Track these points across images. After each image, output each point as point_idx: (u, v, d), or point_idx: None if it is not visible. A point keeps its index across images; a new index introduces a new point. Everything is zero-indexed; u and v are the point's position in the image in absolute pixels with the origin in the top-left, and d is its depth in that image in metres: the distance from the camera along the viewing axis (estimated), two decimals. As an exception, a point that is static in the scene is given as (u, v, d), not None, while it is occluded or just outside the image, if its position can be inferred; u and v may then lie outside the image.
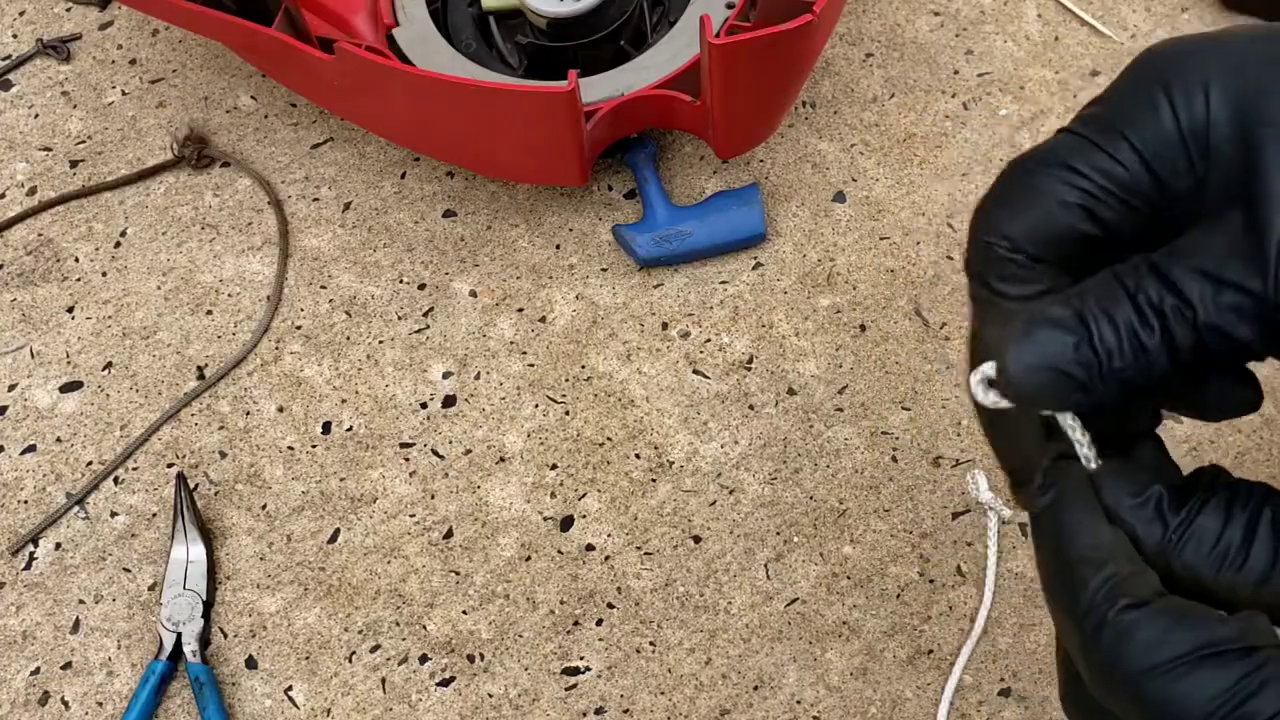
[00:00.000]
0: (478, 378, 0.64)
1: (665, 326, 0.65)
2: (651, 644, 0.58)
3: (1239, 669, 0.26)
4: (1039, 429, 0.30)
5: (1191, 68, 0.28)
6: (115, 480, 0.63)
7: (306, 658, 0.58)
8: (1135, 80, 0.29)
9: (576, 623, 0.58)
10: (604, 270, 0.66)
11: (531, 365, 0.64)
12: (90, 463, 0.63)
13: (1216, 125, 0.27)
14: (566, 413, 0.63)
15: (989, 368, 0.28)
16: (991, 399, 0.29)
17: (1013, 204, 0.29)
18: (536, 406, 0.63)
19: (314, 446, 0.63)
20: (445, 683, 0.57)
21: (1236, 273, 0.26)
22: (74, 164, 0.72)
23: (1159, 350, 0.26)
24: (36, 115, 0.73)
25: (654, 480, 0.61)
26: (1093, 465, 0.29)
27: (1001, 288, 0.29)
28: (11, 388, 0.65)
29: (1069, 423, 0.29)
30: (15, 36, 0.76)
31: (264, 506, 0.61)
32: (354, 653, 0.58)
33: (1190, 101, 0.28)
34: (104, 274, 0.68)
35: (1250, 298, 0.26)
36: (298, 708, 0.57)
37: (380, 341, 0.65)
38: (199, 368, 0.65)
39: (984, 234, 0.29)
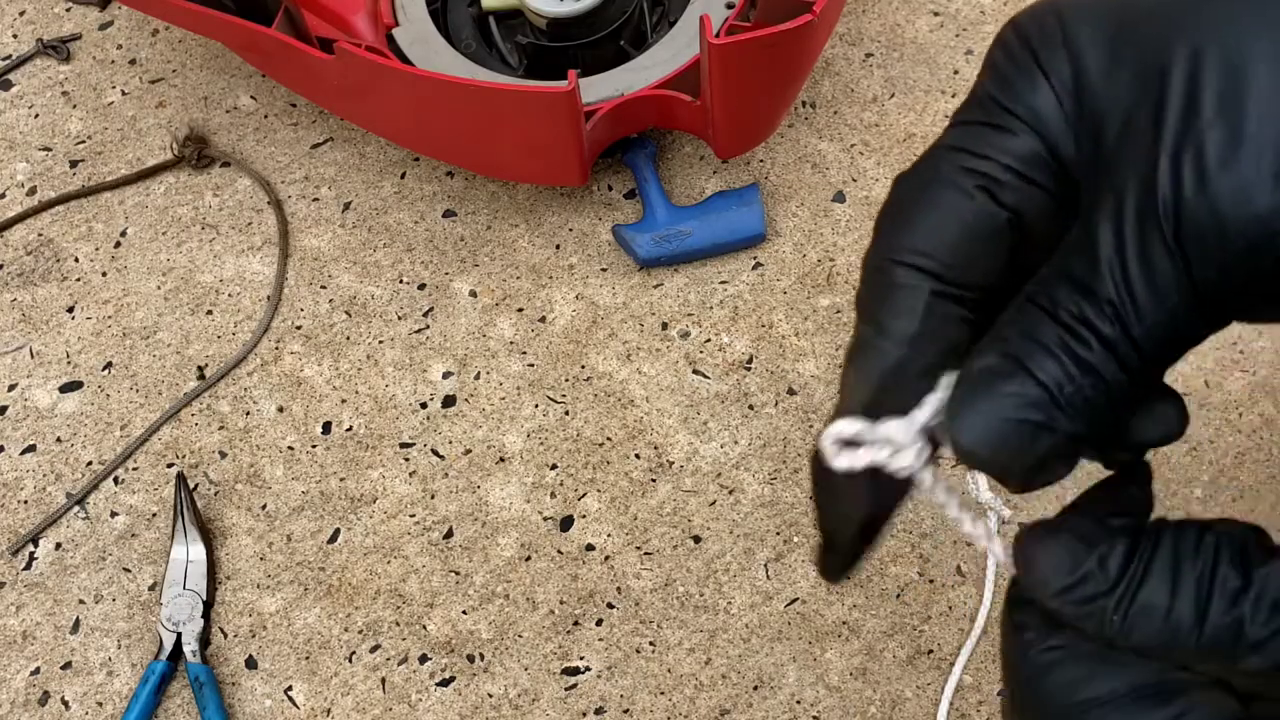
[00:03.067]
0: (478, 378, 0.64)
1: (665, 326, 0.65)
2: (651, 644, 0.58)
3: (1159, 715, 0.25)
4: (866, 496, 0.28)
5: (1055, 29, 0.26)
6: (115, 480, 0.63)
7: (306, 658, 0.58)
8: (1005, 51, 0.27)
9: (576, 623, 0.58)
10: (604, 270, 0.66)
11: (531, 365, 0.64)
12: (90, 463, 0.63)
13: (1092, 85, 0.25)
14: (566, 413, 0.63)
15: (844, 425, 0.26)
16: (844, 462, 0.26)
17: (910, 213, 0.26)
18: (536, 406, 0.63)
19: (314, 446, 0.63)
20: (445, 683, 0.57)
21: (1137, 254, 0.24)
22: (74, 164, 0.72)
23: (1104, 360, 0.24)
24: (36, 115, 0.73)
25: (654, 480, 0.61)
26: (1002, 560, 0.27)
27: (890, 323, 0.26)
28: (11, 388, 0.65)
29: (978, 529, 0.28)
30: (15, 36, 0.76)
31: (264, 506, 0.61)
32: (354, 653, 0.58)
33: (1058, 65, 0.25)
34: (104, 274, 0.68)
35: (1168, 271, 0.23)
36: (298, 708, 0.57)
37: (380, 341, 0.65)
38: (199, 368, 0.65)
39: (883, 254, 0.26)
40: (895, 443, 0.26)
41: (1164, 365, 0.25)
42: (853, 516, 0.28)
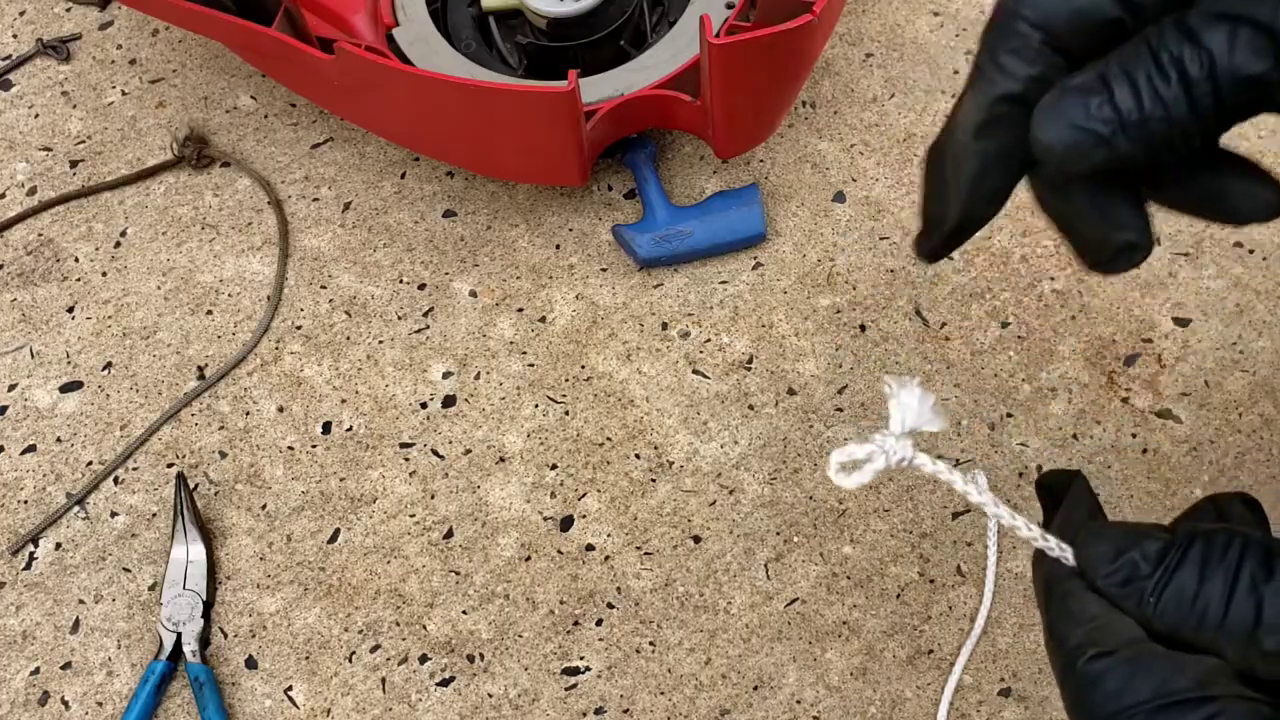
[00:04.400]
0: (478, 378, 0.64)
1: (665, 326, 0.65)
2: (651, 644, 0.58)
3: (1194, 717, 0.27)
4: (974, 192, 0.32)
5: None
6: (115, 480, 0.63)
7: (306, 658, 0.58)
8: None
9: (576, 623, 0.58)
10: (604, 270, 0.66)
11: (531, 365, 0.64)
12: (90, 463, 0.63)
13: None
14: (566, 413, 0.63)
15: (854, 450, 0.32)
16: (851, 481, 0.32)
17: None
18: (536, 406, 0.63)
19: (314, 446, 0.63)
20: (445, 683, 0.57)
21: (1249, 8, 0.26)
22: (74, 164, 0.72)
23: (1177, 99, 0.27)
24: (36, 115, 0.73)
25: (654, 480, 0.61)
26: (1058, 553, 0.32)
27: (1005, 61, 0.29)
28: (11, 388, 0.65)
29: (1030, 532, 0.32)
30: (15, 36, 0.76)
31: (264, 506, 0.61)
32: (354, 653, 0.58)
33: None
34: (104, 274, 0.68)
35: (1264, 34, 0.26)
36: (298, 708, 0.57)
37: (380, 341, 0.65)
38: (199, 368, 0.65)
39: (1013, 6, 0.30)
40: (888, 447, 0.32)
41: (1237, 119, 0.28)
42: (952, 211, 0.32)
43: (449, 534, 0.60)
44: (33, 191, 0.71)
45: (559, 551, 0.60)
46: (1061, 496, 0.34)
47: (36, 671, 0.59)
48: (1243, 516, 0.32)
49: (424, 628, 0.58)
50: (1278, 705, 0.28)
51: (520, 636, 0.58)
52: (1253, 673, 0.28)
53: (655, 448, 0.62)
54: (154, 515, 0.62)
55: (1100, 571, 0.30)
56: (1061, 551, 0.32)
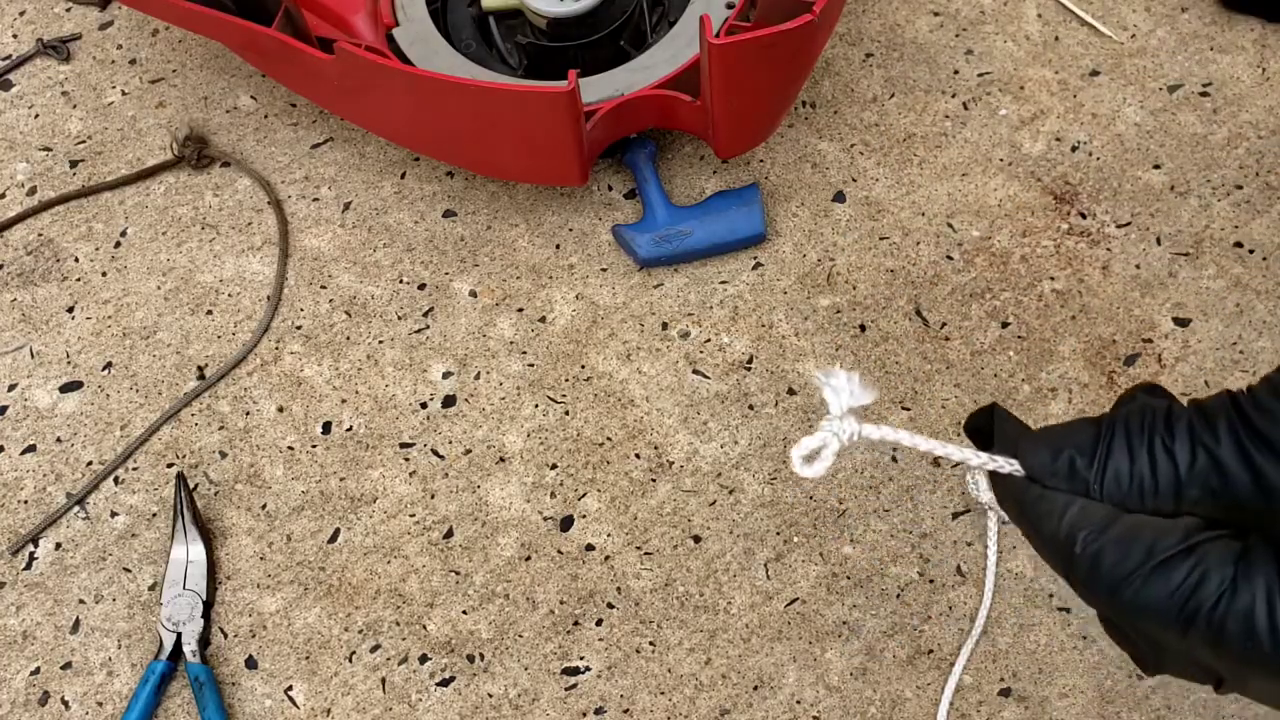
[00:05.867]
0: (478, 378, 0.64)
1: (665, 326, 0.65)
2: (651, 644, 0.58)
3: (1184, 568, 0.32)
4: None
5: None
6: (115, 480, 0.63)
7: (306, 658, 0.58)
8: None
9: (576, 623, 0.58)
10: (604, 270, 0.66)
11: (531, 365, 0.64)
12: (90, 463, 0.63)
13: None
14: (566, 413, 0.63)
15: (809, 442, 0.35)
16: (811, 471, 0.35)
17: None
18: (536, 406, 0.63)
19: (314, 446, 0.63)
20: (445, 683, 0.57)
21: None
22: (74, 164, 0.72)
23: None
24: (36, 115, 0.73)
25: (654, 480, 0.61)
26: (1008, 469, 0.36)
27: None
28: (11, 388, 0.65)
29: (979, 458, 0.36)
30: (15, 36, 0.76)
31: (264, 506, 0.61)
32: (354, 653, 0.58)
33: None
34: (104, 274, 0.68)
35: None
36: (298, 708, 0.57)
37: (380, 341, 0.65)
38: (199, 368, 0.65)
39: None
40: (836, 429, 0.35)
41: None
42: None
43: (449, 534, 0.60)
44: (33, 191, 0.71)
45: (559, 551, 0.60)
46: (989, 431, 0.38)
47: (37, 671, 0.59)
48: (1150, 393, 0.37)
49: (424, 628, 0.58)
50: (1238, 534, 0.33)
51: (520, 636, 0.58)
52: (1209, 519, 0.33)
53: (655, 448, 0.62)
54: (154, 515, 0.62)
55: (1046, 473, 0.34)
56: (1011, 466, 0.36)
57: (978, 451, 0.36)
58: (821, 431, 0.35)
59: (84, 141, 0.72)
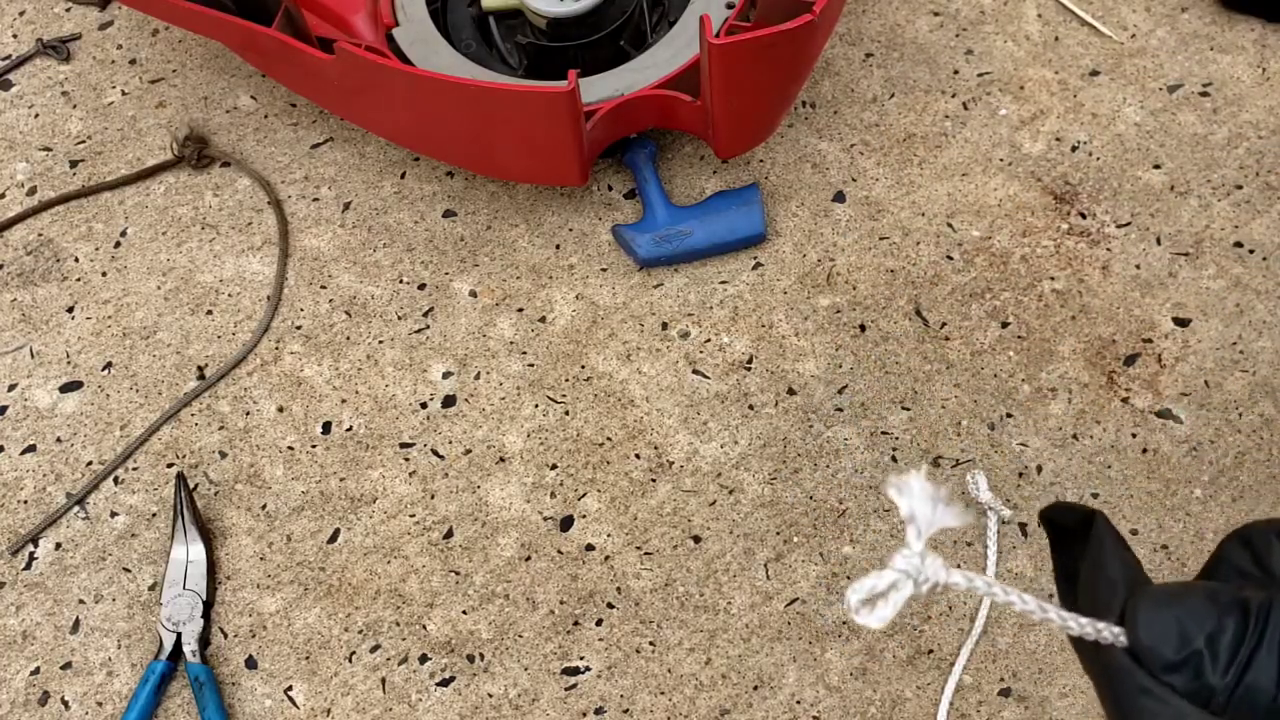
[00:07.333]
0: (478, 378, 0.64)
1: (665, 326, 0.65)
2: (651, 644, 0.58)
3: None
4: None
5: None
6: (115, 480, 0.63)
7: (306, 658, 0.58)
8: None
9: (576, 623, 0.58)
10: (604, 270, 0.66)
11: (531, 365, 0.64)
12: (90, 463, 0.63)
13: None
14: (566, 413, 0.63)
15: (874, 582, 0.27)
16: (877, 619, 0.27)
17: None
18: (536, 406, 0.63)
19: (314, 446, 0.63)
20: (445, 683, 0.57)
21: None
22: (74, 164, 0.72)
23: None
24: (36, 115, 0.73)
25: (654, 480, 0.61)
26: (1111, 639, 0.28)
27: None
28: (11, 388, 0.65)
29: (1081, 626, 0.28)
30: (15, 36, 0.76)
31: (264, 506, 0.61)
32: (354, 653, 0.58)
33: None
34: (104, 274, 0.68)
35: None
36: (298, 708, 0.57)
37: (380, 341, 0.65)
38: (199, 368, 0.65)
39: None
40: (913, 570, 0.27)
41: None
42: None
43: (449, 534, 0.60)
44: (33, 191, 0.71)
45: (559, 551, 0.60)
46: (1065, 528, 0.31)
47: (36, 671, 0.59)
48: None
49: (424, 628, 0.58)
50: None
51: (520, 636, 0.58)
52: None
53: (655, 448, 0.62)
54: (154, 515, 0.62)
55: (1159, 661, 0.27)
56: (1116, 637, 0.28)
57: (1079, 618, 0.28)
58: (893, 570, 0.26)
59: (84, 141, 0.72)
